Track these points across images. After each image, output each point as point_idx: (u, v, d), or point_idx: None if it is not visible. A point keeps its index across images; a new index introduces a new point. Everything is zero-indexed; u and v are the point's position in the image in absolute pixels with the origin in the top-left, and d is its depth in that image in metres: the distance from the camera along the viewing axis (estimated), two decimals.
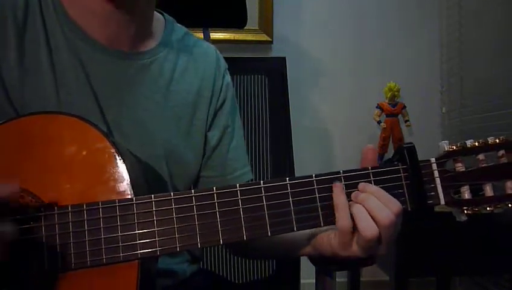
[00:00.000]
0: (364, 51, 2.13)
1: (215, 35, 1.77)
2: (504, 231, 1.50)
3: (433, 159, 0.63)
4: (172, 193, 0.61)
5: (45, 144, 0.61)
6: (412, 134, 2.06)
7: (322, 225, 0.62)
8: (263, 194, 0.61)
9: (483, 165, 0.62)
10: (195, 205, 0.60)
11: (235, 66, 1.04)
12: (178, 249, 0.60)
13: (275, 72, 1.29)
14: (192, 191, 0.61)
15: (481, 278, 1.95)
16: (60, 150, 0.61)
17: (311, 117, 2.10)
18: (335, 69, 2.12)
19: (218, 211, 0.60)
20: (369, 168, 0.63)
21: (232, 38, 1.98)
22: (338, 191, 0.61)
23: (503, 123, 1.71)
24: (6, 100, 0.69)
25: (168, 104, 0.78)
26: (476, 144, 0.62)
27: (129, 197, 0.60)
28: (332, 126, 2.14)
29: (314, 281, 0.88)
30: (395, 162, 0.63)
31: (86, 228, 0.58)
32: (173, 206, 0.60)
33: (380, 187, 0.61)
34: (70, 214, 0.59)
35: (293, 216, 0.61)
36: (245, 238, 0.60)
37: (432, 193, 0.62)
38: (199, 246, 0.60)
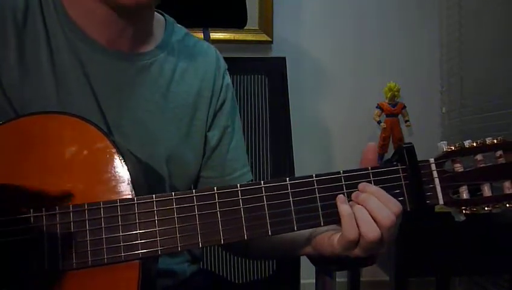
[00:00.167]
0: (364, 51, 2.13)
1: (215, 35, 1.77)
2: (503, 230, 1.51)
3: (432, 160, 0.63)
4: (173, 193, 0.61)
5: (45, 144, 0.61)
6: (412, 134, 2.06)
7: (322, 224, 0.62)
8: (263, 194, 0.62)
9: (481, 166, 0.63)
10: (196, 205, 0.61)
11: (235, 66, 1.04)
12: (179, 249, 0.60)
13: (275, 72, 1.29)
14: (193, 191, 0.61)
15: (480, 278, 1.95)
16: (61, 150, 0.61)
17: (311, 117, 2.10)
18: (335, 69, 2.12)
19: (219, 211, 0.61)
20: (369, 168, 0.63)
21: (232, 38, 1.98)
22: (342, 201, 0.62)
23: (503, 123, 1.71)
24: (5, 100, 0.69)
25: (168, 105, 0.79)
26: (474, 144, 0.63)
27: (130, 197, 0.60)
28: (332, 126, 2.14)
29: (314, 281, 0.88)
30: (395, 162, 0.64)
31: (87, 227, 0.59)
32: (174, 206, 0.60)
33: (380, 187, 0.62)
34: (71, 213, 0.59)
35: (294, 216, 0.61)
36: (246, 237, 0.61)
37: (431, 193, 0.63)
38: (200, 246, 0.61)
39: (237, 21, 1.34)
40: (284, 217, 0.61)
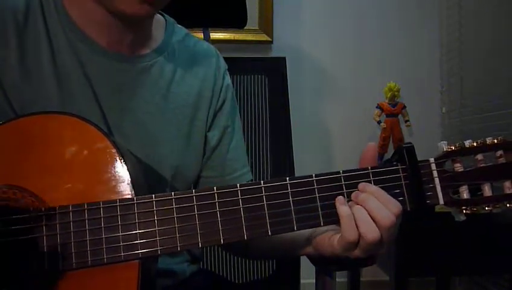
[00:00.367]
0: (364, 51, 2.13)
1: (215, 35, 1.77)
2: (503, 230, 1.51)
3: (432, 159, 0.63)
4: (173, 193, 0.61)
5: (45, 144, 0.61)
6: (412, 134, 2.06)
7: (321, 224, 0.62)
8: (263, 193, 0.62)
9: (481, 165, 0.62)
10: (196, 205, 0.61)
11: (235, 66, 1.04)
12: (179, 249, 0.60)
13: (275, 72, 1.29)
14: (193, 190, 0.61)
15: (480, 278, 1.95)
16: (61, 150, 0.61)
17: (311, 117, 2.10)
18: (335, 69, 2.13)
19: (219, 211, 0.61)
20: (369, 168, 0.63)
21: (232, 38, 1.98)
22: (341, 202, 0.61)
23: (503, 123, 1.71)
24: (5, 100, 0.69)
25: (168, 106, 0.79)
26: (475, 144, 0.63)
27: (130, 197, 0.60)
28: (332, 126, 2.14)
29: (314, 281, 0.88)
30: (394, 162, 0.64)
31: (86, 227, 0.59)
32: (174, 206, 0.60)
33: (380, 187, 0.61)
34: (71, 213, 0.59)
35: (293, 216, 0.61)
36: (245, 237, 0.61)
37: (431, 193, 0.62)
38: (200, 246, 0.60)
39: (237, 21, 1.34)
40: (283, 217, 0.61)
